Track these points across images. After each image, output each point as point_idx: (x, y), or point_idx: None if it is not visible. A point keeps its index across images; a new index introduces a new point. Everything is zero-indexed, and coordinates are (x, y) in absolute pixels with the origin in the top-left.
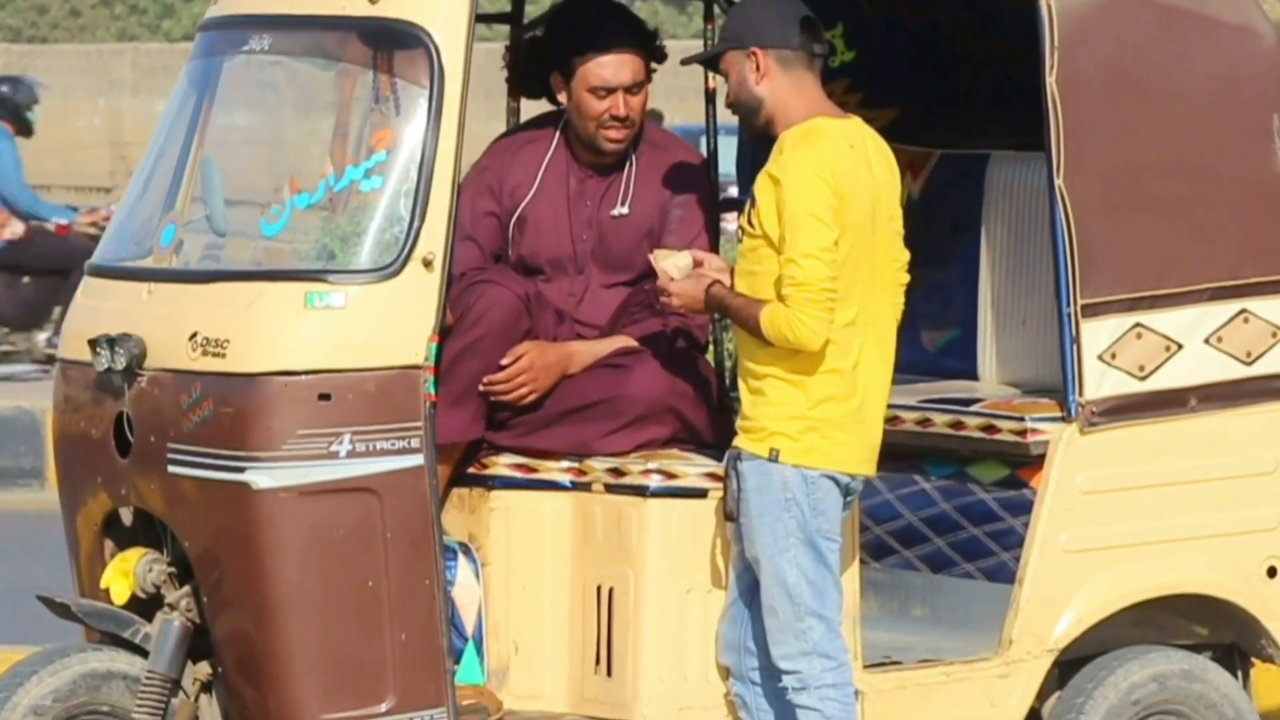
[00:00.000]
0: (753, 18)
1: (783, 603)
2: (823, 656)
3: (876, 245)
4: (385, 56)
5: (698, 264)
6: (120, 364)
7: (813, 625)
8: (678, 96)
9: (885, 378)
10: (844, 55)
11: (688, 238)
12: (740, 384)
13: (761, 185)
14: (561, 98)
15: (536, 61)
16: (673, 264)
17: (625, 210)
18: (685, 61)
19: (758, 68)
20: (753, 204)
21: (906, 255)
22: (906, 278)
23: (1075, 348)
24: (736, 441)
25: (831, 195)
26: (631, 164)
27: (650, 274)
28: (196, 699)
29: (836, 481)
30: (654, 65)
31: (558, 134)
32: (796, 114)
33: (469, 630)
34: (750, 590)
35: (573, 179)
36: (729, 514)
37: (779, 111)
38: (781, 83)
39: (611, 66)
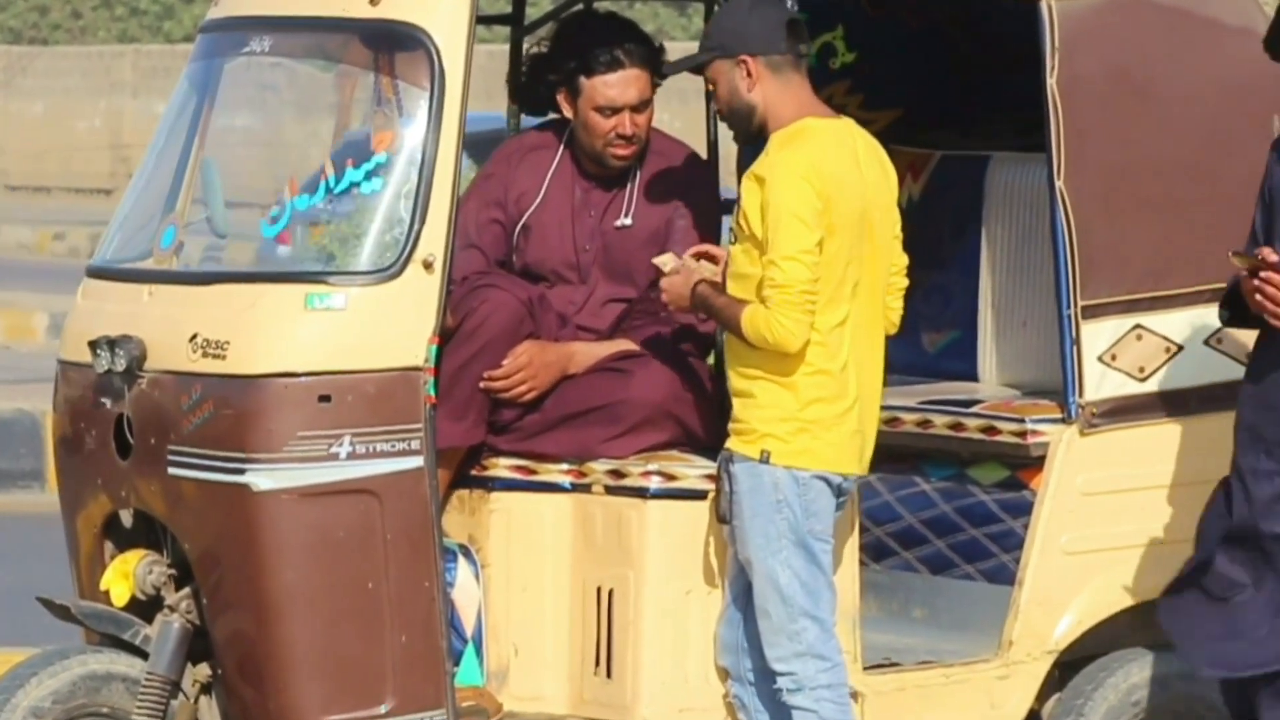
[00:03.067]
0: (738, 25)
1: (775, 605)
2: (817, 658)
3: (867, 246)
4: (386, 58)
5: (707, 256)
6: (120, 366)
7: (806, 626)
8: (678, 98)
9: (878, 378)
10: (845, 57)
11: (691, 248)
12: (730, 386)
13: (747, 186)
14: (567, 113)
15: (541, 77)
16: (662, 260)
17: (629, 221)
18: (668, 72)
19: (749, 74)
20: (739, 205)
21: (904, 260)
22: (905, 282)
23: (1075, 349)
24: (728, 443)
25: (815, 197)
26: (635, 175)
27: (655, 284)
28: (196, 701)
29: (828, 482)
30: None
31: (563, 143)
32: (786, 115)
33: (469, 632)
34: (745, 592)
35: (578, 189)
36: (722, 516)
37: (771, 115)
38: (772, 87)
39: (618, 86)
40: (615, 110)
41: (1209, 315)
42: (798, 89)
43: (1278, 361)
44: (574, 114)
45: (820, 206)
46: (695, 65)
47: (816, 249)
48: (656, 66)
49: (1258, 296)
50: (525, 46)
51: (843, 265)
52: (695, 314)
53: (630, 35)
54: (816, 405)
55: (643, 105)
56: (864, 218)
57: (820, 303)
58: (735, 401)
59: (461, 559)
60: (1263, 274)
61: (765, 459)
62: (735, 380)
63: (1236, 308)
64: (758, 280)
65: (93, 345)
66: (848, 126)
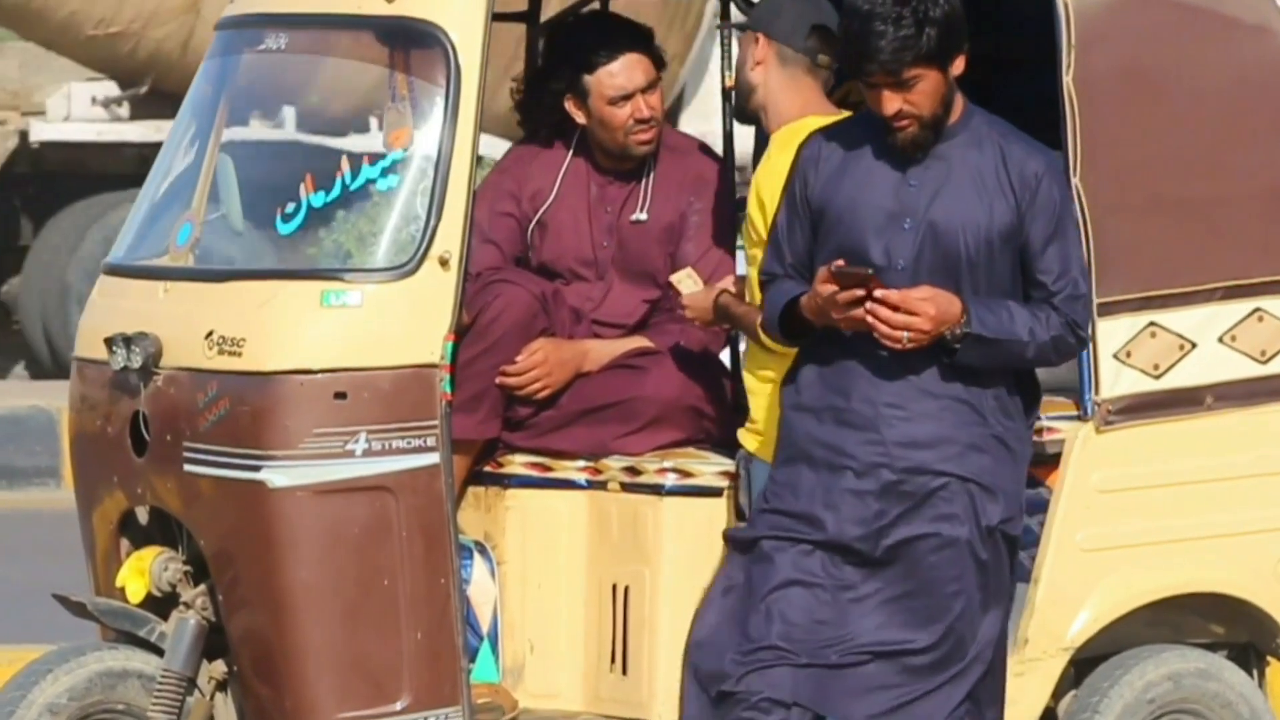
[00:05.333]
0: (772, 7)
1: None
2: None
3: None
4: (402, 55)
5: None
6: (136, 363)
7: None
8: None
9: None
10: None
11: (705, 244)
12: (746, 387)
13: (755, 190)
14: (580, 118)
15: (544, 91)
16: (679, 278)
17: (644, 216)
18: (719, 26)
19: (757, 54)
20: (747, 210)
21: None
22: None
23: (1091, 346)
24: (745, 441)
25: None
26: (650, 170)
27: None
28: (212, 697)
29: None
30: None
31: (575, 139)
32: (789, 112)
33: (484, 629)
34: None
35: (593, 185)
36: (740, 513)
37: (771, 105)
38: (776, 77)
39: (623, 72)
40: (627, 96)
41: (1223, 312)
42: (806, 91)
43: (850, 378)
44: (587, 116)
45: None
46: (741, 25)
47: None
48: (652, 48)
49: (870, 319)
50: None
51: None
52: (719, 325)
53: (618, 24)
54: None
55: (651, 86)
56: None
57: None
58: (751, 402)
59: (477, 556)
60: (878, 293)
61: None
62: (750, 381)
63: (787, 323)
64: None
65: (109, 342)
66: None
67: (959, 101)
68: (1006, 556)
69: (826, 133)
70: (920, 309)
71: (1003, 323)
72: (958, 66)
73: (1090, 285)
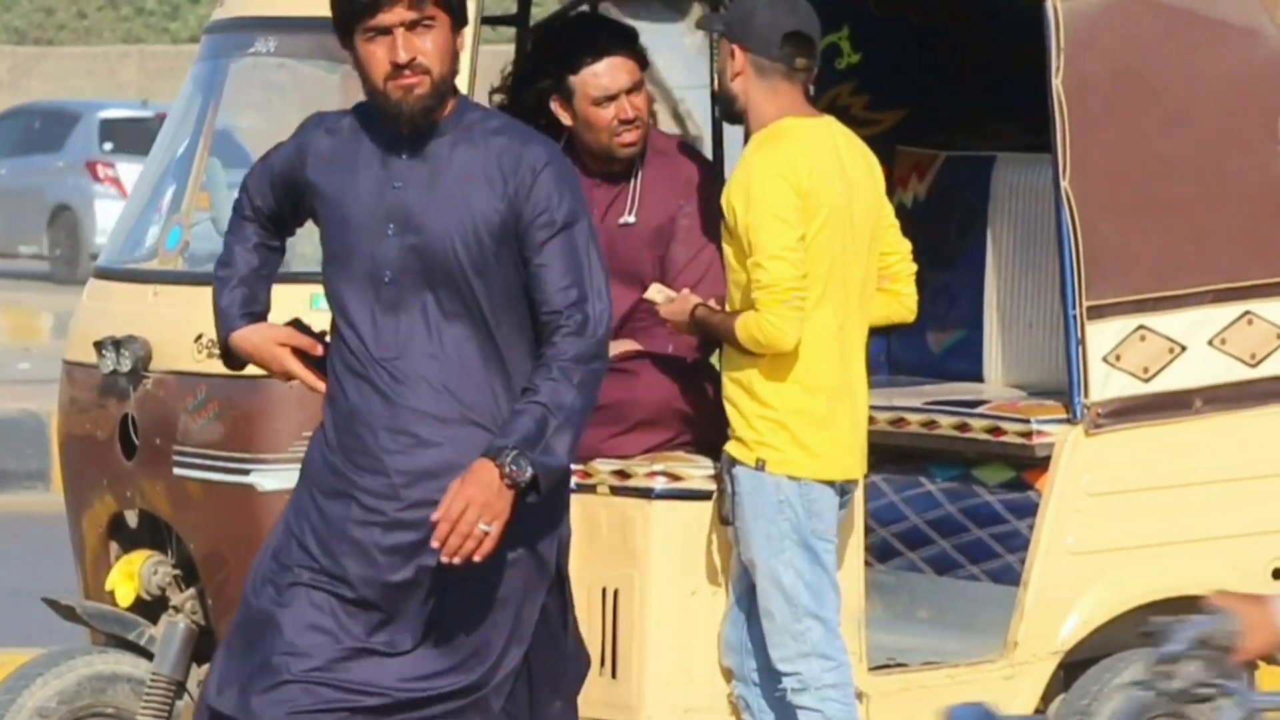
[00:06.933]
0: (746, 15)
1: (779, 605)
2: (822, 657)
3: (852, 244)
4: None
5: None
6: (125, 366)
7: (810, 626)
8: None
9: (864, 378)
10: (850, 57)
11: (694, 247)
12: (725, 394)
13: (728, 189)
14: (566, 119)
15: (530, 90)
16: (650, 294)
17: (632, 219)
18: (701, 25)
19: (735, 65)
20: (723, 213)
21: (907, 245)
22: (913, 268)
23: (1081, 349)
24: (727, 447)
25: (794, 194)
26: (638, 173)
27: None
28: None
29: (830, 483)
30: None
31: (562, 142)
32: (767, 115)
33: None
34: (749, 592)
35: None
36: (724, 518)
37: (752, 112)
38: (756, 87)
39: (607, 74)
40: (611, 97)
41: (1213, 315)
42: (784, 97)
43: (364, 409)
44: (572, 117)
45: (800, 204)
46: (716, 29)
47: (800, 245)
48: (638, 49)
49: (448, 560)
50: (503, 67)
51: (828, 261)
52: (696, 335)
53: (603, 25)
54: (808, 415)
55: (636, 87)
56: (849, 213)
57: (810, 302)
58: (727, 407)
59: None
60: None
61: (760, 467)
62: (730, 389)
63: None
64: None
65: (98, 345)
66: (827, 125)
67: (454, 95)
68: (535, 580)
69: (328, 120)
70: (458, 505)
71: (533, 430)
72: (461, 42)
73: (605, 290)
